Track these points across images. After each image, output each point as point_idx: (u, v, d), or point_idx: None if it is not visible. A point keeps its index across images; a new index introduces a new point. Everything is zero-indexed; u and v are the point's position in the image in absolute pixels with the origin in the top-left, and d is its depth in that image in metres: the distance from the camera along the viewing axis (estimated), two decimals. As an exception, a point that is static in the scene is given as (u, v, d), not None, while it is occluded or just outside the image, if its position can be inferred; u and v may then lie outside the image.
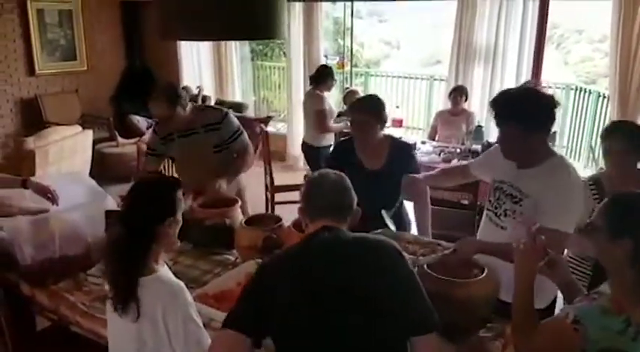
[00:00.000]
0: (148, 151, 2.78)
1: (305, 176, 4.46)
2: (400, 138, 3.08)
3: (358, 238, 1.40)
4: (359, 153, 2.39)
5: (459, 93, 4.55)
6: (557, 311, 1.80)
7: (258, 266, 1.54)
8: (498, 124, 1.76)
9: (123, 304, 1.42)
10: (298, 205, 1.49)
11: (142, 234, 1.44)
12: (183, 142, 2.66)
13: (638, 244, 1.20)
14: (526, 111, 1.68)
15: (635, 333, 1.17)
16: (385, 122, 2.37)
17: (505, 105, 1.73)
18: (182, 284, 1.48)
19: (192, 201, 2.42)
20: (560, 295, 1.57)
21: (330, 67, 4.61)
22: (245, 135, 2.79)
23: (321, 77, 4.36)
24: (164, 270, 1.50)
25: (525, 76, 4.72)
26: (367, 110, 2.32)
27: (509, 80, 4.74)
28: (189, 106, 2.62)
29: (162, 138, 2.70)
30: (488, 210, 1.95)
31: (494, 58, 4.80)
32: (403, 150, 2.41)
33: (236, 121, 2.75)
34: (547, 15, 4.66)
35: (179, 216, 1.54)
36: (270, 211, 4.17)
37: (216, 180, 2.53)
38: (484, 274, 1.68)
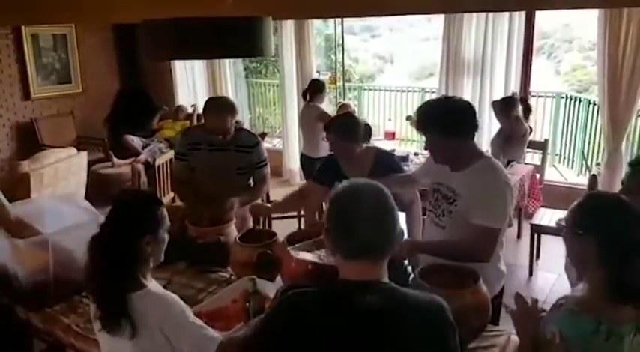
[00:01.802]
0: (178, 156, 2.80)
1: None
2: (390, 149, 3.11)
3: (410, 307, 1.11)
4: (343, 166, 2.46)
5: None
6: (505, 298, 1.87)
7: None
8: (423, 134, 1.92)
9: (112, 322, 1.39)
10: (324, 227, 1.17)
11: (120, 249, 1.42)
12: (210, 156, 2.68)
13: (601, 243, 1.19)
14: (441, 120, 1.83)
15: (607, 333, 1.16)
16: (360, 138, 2.40)
17: (423, 116, 1.89)
18: (173, 294, 1.48)
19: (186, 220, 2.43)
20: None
21: (321, 80, 4.74)
22: (268, 167, 2.84)
23: (312, 90, 4.48)
24: (153, 285, 1.50)
25: (514, 86, 4.77)
26: (334, 131, 2.42)
27: (498, 91, 4.77)
28: None
29: (188, 144, 2.72)
30: (429, 210, 2.05)
31: (483, 70, 4.84)
32: (385, 160, 2.46)
33: (265, 151, 2.82)
34: (533, 26, 4.74)
35: (163, 235, 1.51)
36: (266, 226, 4.16)
37: (230, 198, 2.51)
38: (477, 284, 1.70)
